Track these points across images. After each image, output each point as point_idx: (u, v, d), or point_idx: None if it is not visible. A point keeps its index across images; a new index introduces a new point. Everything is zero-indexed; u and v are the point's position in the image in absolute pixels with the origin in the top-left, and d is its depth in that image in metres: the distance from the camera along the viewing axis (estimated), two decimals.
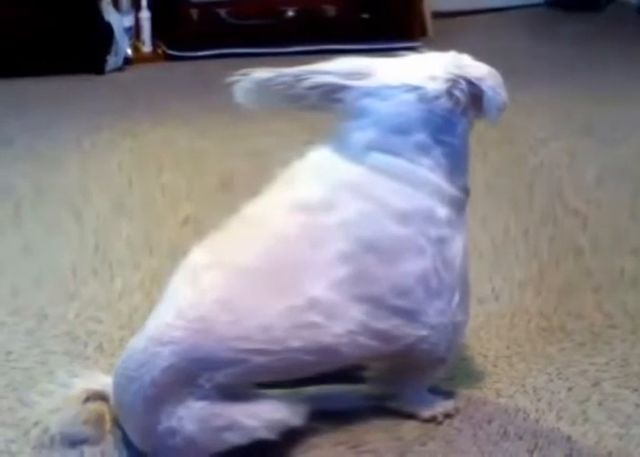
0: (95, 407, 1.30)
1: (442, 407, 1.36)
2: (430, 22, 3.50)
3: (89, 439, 1.29)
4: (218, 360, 1.18)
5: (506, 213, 2.03)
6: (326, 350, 1.21)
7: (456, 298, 1.27)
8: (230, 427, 1.19)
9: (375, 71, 1.28)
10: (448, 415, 1.36)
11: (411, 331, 1.25)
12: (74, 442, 1.28)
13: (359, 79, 1.26)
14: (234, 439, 1.19)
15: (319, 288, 1.20)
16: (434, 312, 1.26)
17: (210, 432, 1.19)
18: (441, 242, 1.25)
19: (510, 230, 1.95)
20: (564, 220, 2.01)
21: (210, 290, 1.21)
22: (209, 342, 1.18)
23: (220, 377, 1.18)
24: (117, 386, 1.24)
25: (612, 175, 2.24)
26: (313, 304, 1.19)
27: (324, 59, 1.29)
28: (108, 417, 1.30)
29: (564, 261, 1.83)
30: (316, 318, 1.19)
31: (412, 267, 1.23)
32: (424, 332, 1.26)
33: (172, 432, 1.17)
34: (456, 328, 1.30)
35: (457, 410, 1.37)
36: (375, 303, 1.23)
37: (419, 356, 1.29)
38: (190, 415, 1.17)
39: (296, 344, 1.19)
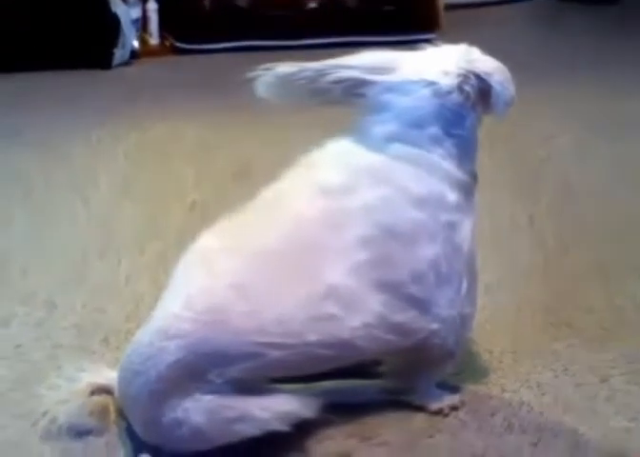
0: (100, 399, 1.32)
1: (449, 400, 1.39)
2: (442, 14, 3.52)
3: (93, 430, 1.31)
4: (231, 354, 1.18)
5: (512, 204, 2.05)
6: (342, 344, 1.23)
7: (464, 286, 1.30)
8: (242, 418, 1.20)
9: (397, 66, 1.30)
10: (454, 408, 1.38)
11: (425, 325, 1.28)
12: (80, 432, 1.30)
13: (382, 74, 1.29)
14: (246, 430, 1.21)
15: (338, 274, 1.21)
16: (444, 303, 1.28)
17: (219, 424, 1.20)
18: (450, 227, 1.28)
19: (516, 220, 1.98)
20: (570, 210, 2.03)
21: (224, 275, 1.22)
22: (222, 335, 1.19)
23: (233, 372, 1.19)
24: (122, 379, 1.26)
25: (620, 168, 2.26)
26: (331, 292, 1.21)
27: (342, 52, 1.32)
28: (112, 409, 1.32)
29: (570, 251, 1.85)
30: (333, 309, 1.21)
31: (426, 252, 1.26)
32: (435, 326, 1.28)
33: (178, 423, 1.19)
34: (464, 321, 1.32)
35: (463, 404, 1.39)
36: (393, 291, 1.25)
37: (431, 351, 1.31)
38: (198, 407, 1.18)
39: (313, 337, 1.20)
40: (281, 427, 1.21)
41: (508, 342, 1.55)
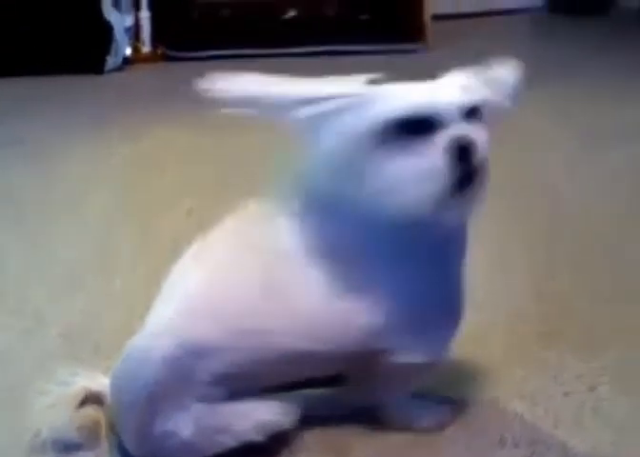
0: (90, 412, 1.27)
1: (435, 417, 1.30)
2: (429, 24, 3.49)
3: (82, 445, 1.26)
4: (213, 348, 1.14)
5: (504, 225, 1.98)
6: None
7: None
8: (223, 429, 1.16)
9: None
10: (443, 425, 1.30)
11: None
12: (68, 447, 1.25)
13: None
14: (227, 441, 1.16)
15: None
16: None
17: (205, 434, 1.16)
18: None
19: (509, 243, 1.91)
20: (561, 233, 1.96)
21: (213, 270, 1.19)
22: (208, 330, 1.15)
23: (217, 367, 1.14)
24: (115, 386, 1.22)
25: (611, 187, 2.20)
26: None
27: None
28: (103, 423, 1.27)
29: (562, 275, 1.79)
30: None
31: None
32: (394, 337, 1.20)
33: (170, 434, 1.15)
34: (432, 330, 1.21)
35: (452, 419, 1.32)
36: None
37: (391, 364, 1.22)
38: (188, 415, 1.14)
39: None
40: (258, 437, 1.16)
41: (499, 350, 1.52)
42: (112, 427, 1.26)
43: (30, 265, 1.84)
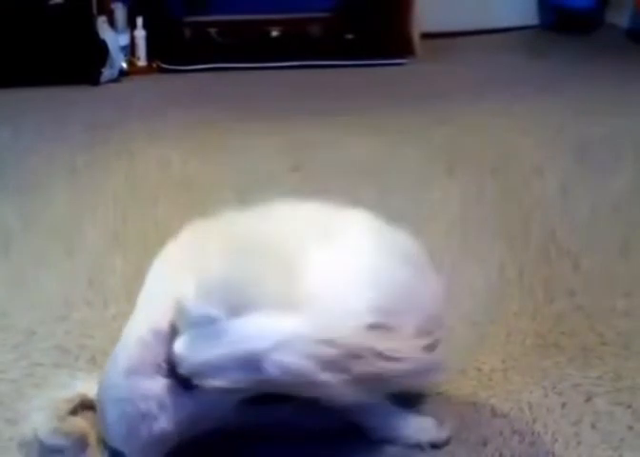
0: (80, 421, 1.20)
1: (432, 431, 1.21)
2: (418, 42, 3.44)
3: (68, 451, 1.17)
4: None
5: (501, 252, 1.87)
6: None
7: None
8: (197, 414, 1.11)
9: None
10: (440, 440, 1.20)
11: None
12: (53, 452, 1.17)
13: None
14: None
15: None
16: None
17: (170, 410, 1.10)
18: None
19: (505, 269, 1.80)
20: (557, 261, 1.84)
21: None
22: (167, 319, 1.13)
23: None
24: (101, 381, 1.17)
25: (605, 213, 2.08)
26: None
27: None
28: (92, 433, 1.19)
29: (558, 300, 1.68)
30: None
31: None
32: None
33: (147, 413, 1.09)
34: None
35: (449, 434, 1.22)
36: None
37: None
38: (159, 387, 1.10)
39: None
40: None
41: (497, 361, 1.45)
42: (101, 439, 1.18)
43: (20, 296, 1.69)
